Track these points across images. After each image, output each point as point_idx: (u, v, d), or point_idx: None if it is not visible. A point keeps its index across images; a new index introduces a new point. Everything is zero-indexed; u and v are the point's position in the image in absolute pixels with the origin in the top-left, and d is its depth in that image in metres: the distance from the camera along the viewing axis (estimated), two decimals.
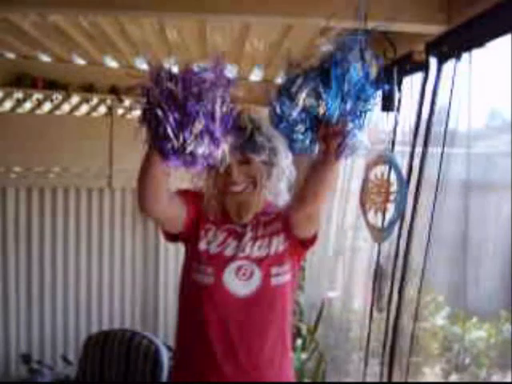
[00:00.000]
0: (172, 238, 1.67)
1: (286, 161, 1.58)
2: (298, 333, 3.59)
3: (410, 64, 2.11)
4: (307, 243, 1.62)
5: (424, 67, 2.07)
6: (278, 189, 1.59)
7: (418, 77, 2.21)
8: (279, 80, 3.95)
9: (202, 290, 1.58)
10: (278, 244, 1.59)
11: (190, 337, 1.65)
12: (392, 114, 2.08)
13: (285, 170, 1.58)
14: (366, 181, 2.10)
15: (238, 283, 1.56)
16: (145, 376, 2.51)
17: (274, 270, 1.57)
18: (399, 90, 2.13)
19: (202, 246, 1.60)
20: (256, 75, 3.91)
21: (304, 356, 3.33)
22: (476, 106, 1.96)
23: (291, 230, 1.58)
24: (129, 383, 2.53)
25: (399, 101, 2.15)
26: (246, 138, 1.51)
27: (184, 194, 1.61)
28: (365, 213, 2.08)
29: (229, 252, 1.59)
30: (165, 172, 1.37)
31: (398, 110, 2.20)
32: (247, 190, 1.56)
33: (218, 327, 1.57)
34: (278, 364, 1.62)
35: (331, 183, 1.43)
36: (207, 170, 1.55)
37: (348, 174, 2.91)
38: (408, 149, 2.20)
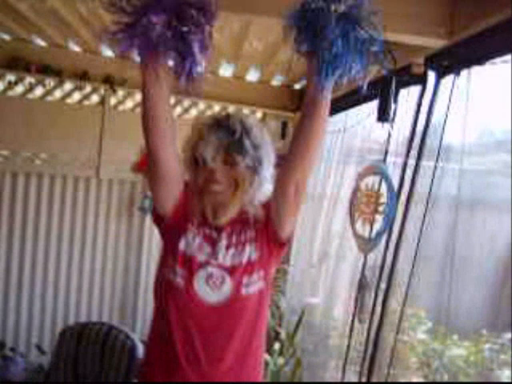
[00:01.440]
0: (158, 220, 1.62)
1: (268, 171, 1.56)
2: (276, 337, 3.58)
3: (408, 76, 2.09)
4: (283, 242, 1.59)
5: (422, 80, 2.06)
6: (256, 197, 1.56)
7: (415, 89, 2.20)
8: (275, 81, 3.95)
9: (172, 290, 1.56)
10: (251, 252, 1.56)
11: (158, 334, 1.63)
12: (386, 125, 2.07)
13: (266, 180, 1.56)
14: (356, 190, 2.09)
15: (208, 291, 1.53)
16: (119, 371, 2.48)
17: (245, 280, 1.54)
18: (395, 101, 2.11)
19: (182, 245, 1.57)
20: (252, 76, 3.90)
21: (281, 361, 3.32)
22: (469, 123, 1.95)
23: (270, 225, 1.55)
24: (102, 378, 2.50)
25: (394, 112, 2.14)
26: (233, 140, 1.49)
27: (186, 183, 1.59)
28: (353, 222, 2.06)
29: (202, 257, 1.56)
30: (163, 88, 1.37)
31: (393, 121, 2.19)
32: (227, 191, 1.52)
33: (183, 331, 1.54)
34: (244, 374, 1.59)
35: (322, 128, 1.42)
36: (190, 166, 1.53)
37: (338, 181, 2.90)
38: (400, 160, 2.19)
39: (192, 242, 1.56)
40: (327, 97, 1.37)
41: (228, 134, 1.49)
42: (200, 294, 1.53)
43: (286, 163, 1.49)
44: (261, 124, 1.60)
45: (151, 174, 1.54)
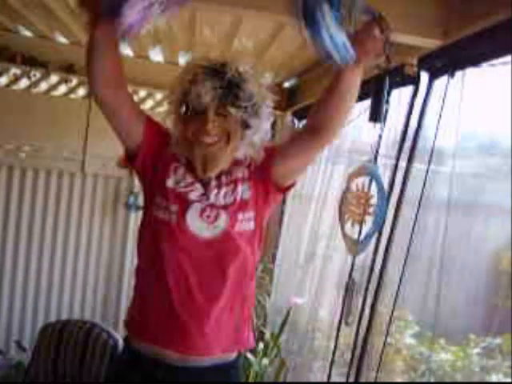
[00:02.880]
0: (131, 159, 1.57)
1: (263, 123, 1.51)
2: (260, 337, 3.55)
3: (400, 76, 2.07)
4: (283, 188, 1.57)
5: (415, 81, 2.03)
6: (247, 153, 1.52)
7: (406, 90, 2.18)
8: None
9: (164, 226, 1.51)
10: (244, 190, 1.52)
11: (148, 277, 1.57)
12: (378, 125, 2.04)
13: (260, 132, 1.51)
14: (346, 191, 2.06)
15: (202, 225, 1.49)
16: (100, 371, 2.44)
17: (239, 216, 1.51)
18: (387, 101, 2.09)
19: (170, 183, 1.52)
20: None
21: (265, 361, 3.29)
22: (455, 125, 1.94)
23: (273, 169, 1.52)
24: (83, 377, 2.46)
25: (386, 113, 2.11)
26: (229, 90, 1.42)
27: (149, 117, 1.55)
28: (342, 223, 2.04)
29: (194, 196, 1.51)
30: (112, 39, 1.37)
31: (384, 122, 2.16)
32: (218, 143, 1.46)
33: (177, 267, 1.50)
34: (236, 314, 1.56)
35: (356, 91, 1.43)
36: (177, 110, 1.48)
37: (326, 182, 2.88)
38: (391, 162, 2.17)
39: (182, 180, 1.52)
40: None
41: (223, 83, 1.42)
42: (193, 228, 1.49)
43: (315, 118, 1.49)
44: (259, 72, 1.52)
45: (105, 110, 1.48)
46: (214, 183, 1.52)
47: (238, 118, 1.45)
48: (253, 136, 1.50)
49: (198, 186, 1.52)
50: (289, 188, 1.60)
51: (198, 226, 1.49)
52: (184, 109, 1.47)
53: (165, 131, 1.56)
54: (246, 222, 1.52)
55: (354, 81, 1.42)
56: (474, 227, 2.73)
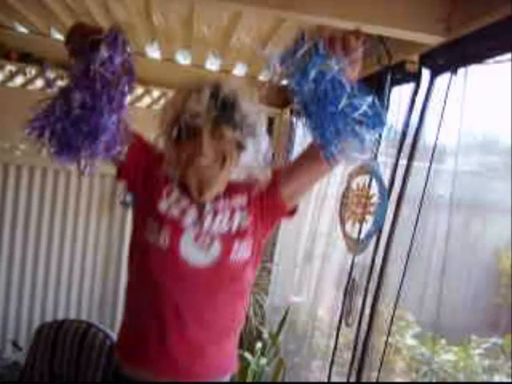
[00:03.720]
0: (119, 173, 1.53)
1: (262, 145, 1.47)
2: (258, 336, 3.53)
3: (401, 73, 2.05)
4: (288, 210, 1.53)
5: (416, 78, 2.01)
6: (247, 175, 1.49)
7: (407, 87, 2.16)
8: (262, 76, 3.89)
9: (156, 252, 1.46)
10: (242, 219, 1.49)
11: (139, 300, 1.54)
12: None
13: (258, 156, 1.47)
14: (347, 190, 2.03)
15: (195, 252, 1.45)
16: (97, 372, 2.41)
17: (234, 246, 1.46)
18: (388, 99, 2.07)
19: (163, 206, 1.47)
20: (239, 70, 3.83)
21: (263, 361, 3.26)
22: (457, 123, 1.92)
23: (277, 193, 1.48)
24: (79, 378, 2.43)
25: (386, 110, 2.09)
26: (223, 111, 1.38)
27: (138, 134, 1.50)
28: (343, 222, 2.01)
29: (189, 220, 1.47)
30: None
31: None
32: (214, 166, 1.42)
33: (167, 294, 1.46)
34: (227, 340, 1.54)
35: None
36: (170, 133, 1.43)
37: (325, 180, 2.85)
38: (389, 160, 2.14)
39: (176, 204, 1.48)
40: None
41: (218, 105, 1.38)
42: (186, 254, 1.44)
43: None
44: (253, 93, 1.48)
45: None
46: (209, 208, 1.48)
47: (232, 139, 1.42)
48: (249, 157, 1.47)
49: (192, 211, 1.48)
50: (292, 213, 1.57)
51: (191, 253, 1.45)
52: (177, 132, 1.42)
53: (156, 150, 1.52)
54: (241, 251, 1.48)
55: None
56: (474, 226, 2.72)
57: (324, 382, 2.72)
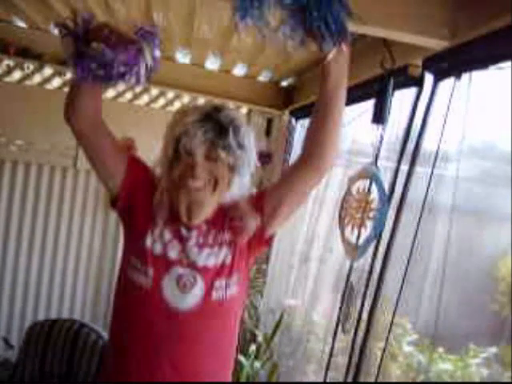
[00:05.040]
0: (114, 202, 1.52)
1: (248, 175, 1.48)
2: (253, 339, 3.50)
3: (403, 77, 2.02)
4: (267, 238, 1.51)
5: (418, 82, 1.98)
6: (231, 199, 1.48)
7: (409, 91, 2.13)
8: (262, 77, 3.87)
9: (137, 291, 1.44)
10: (227, 255, 1.47)
11: (121, 335, 1.51)
12: (377, 127, 1.99)
13: (245, 182, 1.47)
14: (347, 194, 2.01)
15: (178, 294, 1.42)
16: (89, 372, 2.38)
17: (217, 284, 1.44)
18: (390, 103, 2.04)
19: (148, 243, 1.45)
20: (239, 70, 3.81)
21: (258, 364, 3.24)
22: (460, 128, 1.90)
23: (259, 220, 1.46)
24: (71, 378, 2.40)
25: (388, 114, 2.06)
26: (220, 135, 1.39)
27: (134, 157, 1.52)
28: (342, 227, 1.99)
29: (172, 255, 1.45)
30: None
31: (386, 123, 2.11)
32: (206, 189, 1.41)
33: (149, 338, 1.43)
34: (216, 376, 1.50)
35: (343, 91, 1.35)
36: (167, 153, 1.43)
37: (324, 182, 2.83)
38: (391, 165, 2.12)
39: (159, 239, 1.45)
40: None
41: (216, 128, 1.39)
42: (169, 297, 1.42)
43: (310, 139, 1.42)
44: (248, 124, 1.52)
45: (88, 157, 1.50)
46: (194, 240, 1.46)
47: (227, 164, 1.41)
48: (239, 184, 1.46)
49: (175, 242, 1.46)
50: (270, 239, 1.55)
51: (174, 294, 1.43)
52: (173, 151, 1.42)
53: (150, 173, 1.52)
54: (225, 289, 1.46)
55: (340, 73, 1.33)
56: (474, 232, 2.69)
57: (324, 381, 2.70)
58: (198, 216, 1.45)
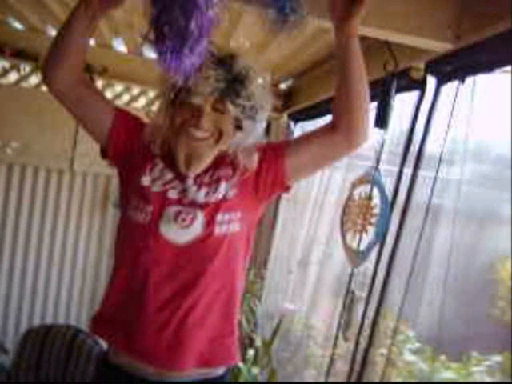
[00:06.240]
0: (104, 152, 1.48)
1: (258, 129, 1.40)
2: (250, 343, 3.46)
3: (406, 80, 1.99)
4: (284, 188, 1.45)
5: (421, 86, 1.95)
6: (234, 153, 1.41)
7: (411, 95, 2.10)
8: None
9: (136, 228, 1.39)
10: (227, 189, 1.40)
11: (120, 280, 1.46)
12: (382, 131, 1.96)
13: (251, 140, 1.40)
14: (348, 199, 1.97)
15: (176, 229, 1.36)
16: (84, 379, 2.35)
17: (219, 217, 1.37)
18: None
19: (146, 181, 1.40)
20: None
21: (256, 370, 3.19)
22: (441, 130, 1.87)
23: (280, 166, 1.40)
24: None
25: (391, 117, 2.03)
26: (232, 85, 1.30)
27: (120, 108, 1.46)
28: (343, 233, 1.95)
29: (173, 194, 1.39)
30: (85, 36, 1.35)
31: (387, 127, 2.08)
32: (208, 140, 1.35)
33: (149, 274, 1.37)
34: (214, 326, 1.43)
35: (361, 63, 1.33)
36: (169, 93, 1.36)
37: (325, 185, 2.80)
38: (393, 169, 2.09)
39: (160, 178, 1.40)
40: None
41: (228, 76, 1.30)
42: (166, 232, 1.36)
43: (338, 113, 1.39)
44: (264, 73, 1.41)
45: (69, 103, 1.41)
46: (193, 181, 1.40)
47: (233, 117, 1.34)
48: (243, 139, 1.39)
49: (177, 182, 1.41)
50: (287, 189, 1.48)
51: (172, 230, 1.37)
52: (178, 93, 1.34)
53: (140, 121, 1.47)
54: (227, 224, 1.39)
55: (353, 49, 1.32)
56: (474, 236, 2.67)
57: (324, 381, 2.66)
58: (197, 167, 1.39)
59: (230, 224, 1.39)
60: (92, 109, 1.43)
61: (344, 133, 1.36)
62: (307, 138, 1.49)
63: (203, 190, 1.39)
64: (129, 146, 1.44)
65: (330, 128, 1.39)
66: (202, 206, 1.38)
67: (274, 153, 1.43)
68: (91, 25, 1.34)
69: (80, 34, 1.35)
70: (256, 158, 1.42)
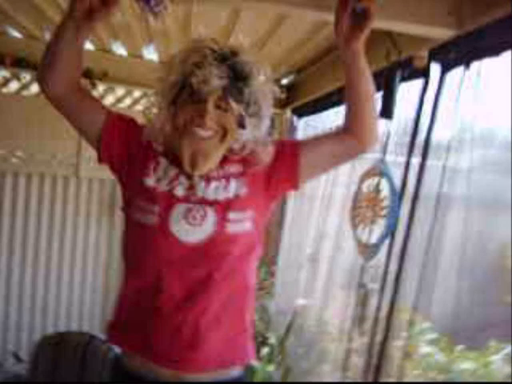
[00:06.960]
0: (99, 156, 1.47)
1: (265, 124, 1.38)
2: (264, 342, 3.45)
3: (409, 69, 1.97)
4: (295, 186, 1.44)
5: (425, 74, 1.93)
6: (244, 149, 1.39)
7: (415, 83, 2.08)
8: None
9: (145, 230, 1.36)
10: (238, 187, 1.37)
11: (132, 285, 1.43)
12: (388, 122, 1.94)
13: (257, 135, 1.37)
14: (357, 193, 1.96)
15: (187, 227, 1.33)
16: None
17: (230, 216, 1.34)
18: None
19: (150, 182, 1.37)
20: None
21: (271, 368, 3.18)
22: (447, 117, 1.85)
23: (293, 165, 1.40)
24: None
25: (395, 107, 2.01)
26: (235, 82, 1.28)
27: (112, 112, 1.45)
28: (354, 226, 1.94)
29: (180, 191, 1.36)
30: (74, 44, 1.33)
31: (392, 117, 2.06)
32: (213, 139, 1.32)
33: (160, 276, 1.35)
34: (229, 326, 1.41)
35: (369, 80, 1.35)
36: (170, 91, 1.33)
37: (331, 180, 2.78)
38: (400, 159, 2.07)
39: (164, 176, 1.37)
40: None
41: (231, 73, 1.28)
42: (177, 231, 1.33)
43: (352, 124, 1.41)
44: (267, 69, 1.37)
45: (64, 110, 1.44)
46: (200, 177, 1.37)
47: (237, 114, 1.32)
48: (247, 136, 1.36)
49: (182, 178, 1.38)
50: (296, 187, 1.46)
51: (183, 229, 1.34)
52: (180, 92, 1.32)
53: (133, 122, 1.45)
54: (239, 223, 1.36)
55: (361, 65, 1.33)
56: (486, 224, 2.64)
57: (324, 381, 2.66)
58: (203, 167, 1.35)
59: (242, 222, 1.37)
60: (84, 109, 1.43)
61: (356, 137, 1.39)
62: (320, 139, 1.50)
63: (212, 187, 1.37)
64: (124, 147, 1.42)
65: (343, 131, 1.41)
66: (212, 204, 1.36)
67: (289, 151, 1.42)
68: (79, 35, 1.32)
69: (68, 42, 1.33)
70: (271, 152, 1.40)
